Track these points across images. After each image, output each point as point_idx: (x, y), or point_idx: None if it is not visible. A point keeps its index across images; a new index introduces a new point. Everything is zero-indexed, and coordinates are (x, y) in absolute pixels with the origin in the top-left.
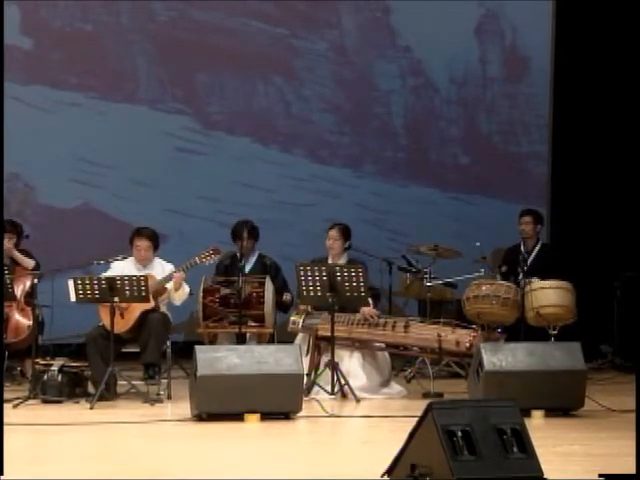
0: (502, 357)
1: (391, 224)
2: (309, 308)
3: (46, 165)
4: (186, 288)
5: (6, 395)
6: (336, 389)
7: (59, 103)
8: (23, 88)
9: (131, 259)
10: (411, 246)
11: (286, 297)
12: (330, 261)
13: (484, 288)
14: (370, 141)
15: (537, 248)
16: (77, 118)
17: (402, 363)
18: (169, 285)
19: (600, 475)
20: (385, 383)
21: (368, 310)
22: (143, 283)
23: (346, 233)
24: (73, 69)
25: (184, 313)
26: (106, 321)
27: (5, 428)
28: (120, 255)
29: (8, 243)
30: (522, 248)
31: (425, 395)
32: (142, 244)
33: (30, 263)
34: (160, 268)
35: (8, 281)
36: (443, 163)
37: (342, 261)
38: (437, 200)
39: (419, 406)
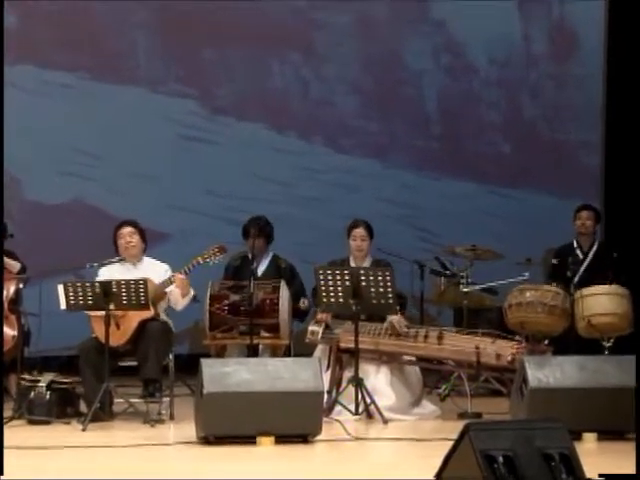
0: (549, 372)
1: (422, 222)
2: (329, 317)
3: (32, 155)
4: (191, 291)
5: None
6: (360, 409)
7: (47, 84)
8: (9, 69)
9: (117, 264)
10: (445, 247)
11: (303, 303)
12: (352, 264)
13: (528, 294)
14: (399, 128)
15: (594, 248)
16: (67, 101)
17: (435, 379)
18: (171, 289)
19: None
20: (416, 402)
21: (397, 319)
22: (142, 288)
23: (372, 231)
24: (62, 46)
25: (188, 322)
26: (99, 332)
27: None
28: (116, 257)
29: None
30: (577, 249)
31: (461, 415)
32: (126, 229)
33: (15, 266)
34: (151, 268)
35: None
36: (481, 153)
37: (366, 264)
38: (474, 195)
39: (454, 428)
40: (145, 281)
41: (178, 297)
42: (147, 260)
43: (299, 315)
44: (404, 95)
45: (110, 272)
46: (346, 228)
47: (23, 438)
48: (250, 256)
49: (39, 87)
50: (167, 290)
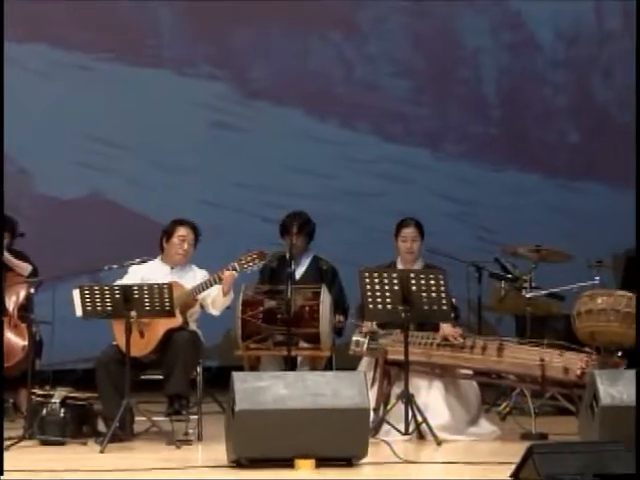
0: (622, 388)
1: (480, 219)
2: (375, 325)
3: (45, 145)
4: (231, 293)
5: None
6: (411, 428)
7: (62, 66)
8: (15, 46)
9: (156, 262)
10: (506, 247)
11: (339, 322)
12: (401, 267)
13: (600, 301)
14: (453, 113)
15: None
16: (85, 85)
17: (494, 396)
18: (208, 296)
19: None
20: (473, 421)
21: (451, 328)
22: (166, 293)
23: (423, 231)
24: (80, 23)
25: (219, 331)
26: (121, 340)
27: None
28: (137, 258)
29: None
30: None
31: (524, 436)
32: (188, 235)
33: (26, 268)
34: (192, 275)
35: None
36: (546, 141)
37: (417, 267)
38: (539, 188)
39: (516, 450)
40: (170, 286)
41: (219, 297)
42: (190, 266)
43: (335, 330)
44: (459, 76)
45: (145, 273)
46: (394, 227)
47: (34, 461)
48: (288, 257)
49: (52, 68)
50: (200, 296)
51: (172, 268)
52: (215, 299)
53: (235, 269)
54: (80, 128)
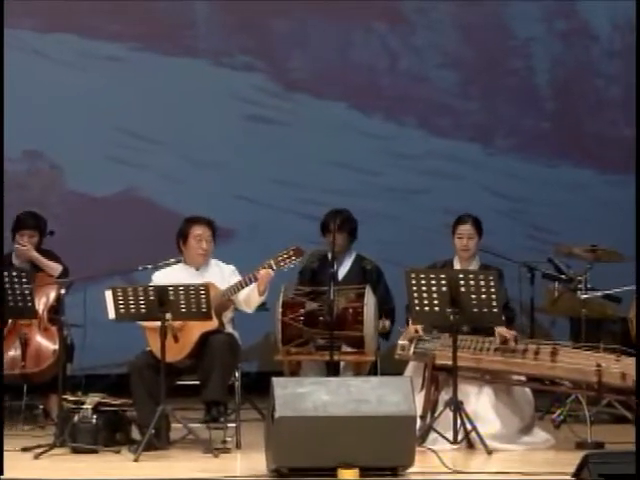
0: None
1: (532, 216)
2: (421, 329)
3: (76, 140)
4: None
5: (26, 441)
6: (460, 437)
7: (93, 57)
8: (45, 37)
9: (179, 265)
10: (560, 246)
11: (384, 327)
12: (457, 266)
13: None
14: (504, 106)
15: None
16: (116, 76)
17: (548, 403)
18: (241, 296)
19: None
20: (526, 429)
21: (503, 332)
22: (203, 294)
23: (481, 229)
24: (111, 12)
25: (257, 335)
26: (155, 345)
27: None
28: (172, 258)
29: (28, 242)
30: None
31: (580, 445)
32: (204, 232)
33: (56, 268)
34: (218, 271)
35: (27, 292)
36: (602, 135)
37: (473, 267)
38: (593, 184)
39: (571, 459)
40: (207, 287)
41: (253, 295)
42: (213, 261)
43: (381, 334)
44: (510, 68)
45: (168, 276)
46: (445, 226)
47: (65, 469)
48: (330, 256)
49: (81, 59)
50: (234, 298)
51: (197, 269)
52: (250, 297)
53: (271, 267)
54: (112, 122)
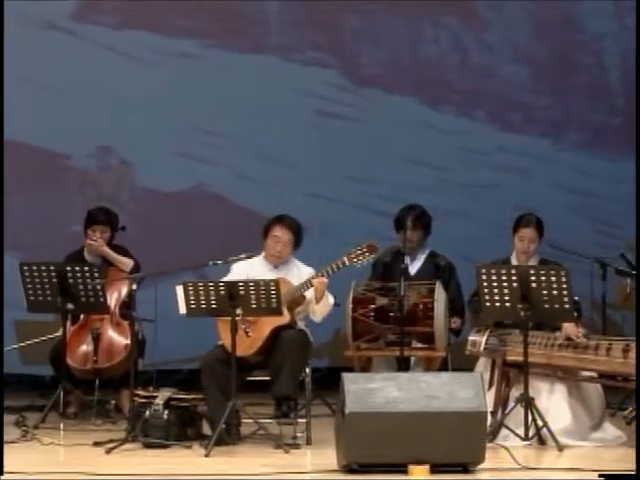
0: None
1: (603, 212)
2: (491, 324)
3: (147, 136)
4: (330, 299)
5: (98, 436)
6: (531, 433)
7: (165, 54)
8: (118, 34)
9: (259, 258)
10: (631, 241)
11: (454, 322)
12: (515, 263)
13: None
14: (575, 102)
15: None
16: (187, 72)
17: (620, 399)
18: (308, 294)
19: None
20: (597, 426)
21: (573, 327)
22: (274, 290)
23: (543, 230)
24: (183, 9)
25: (328, 331)
26: (227, 340)
27: None
28: (243, 253)
29: (100, 237)
30: None
31: None
32: (282, 235)
33: (128, 263)
34: (296, 272)
35: (99, 287)
36: None
37: (532, 263)
38: None
39: None
40: (277, 282)
41: (311, 302)
42: (295, 263)
43: (451, 331)
44: (581, 63)
45: (246, 271)
46: (513, 222)
47: (137, 464)
48: (403, 252)
49: (153, 56)
50: (306, 295)
51: (275, 267)
52: (312, 306)
53: (344, 264)
54: (183, 118)
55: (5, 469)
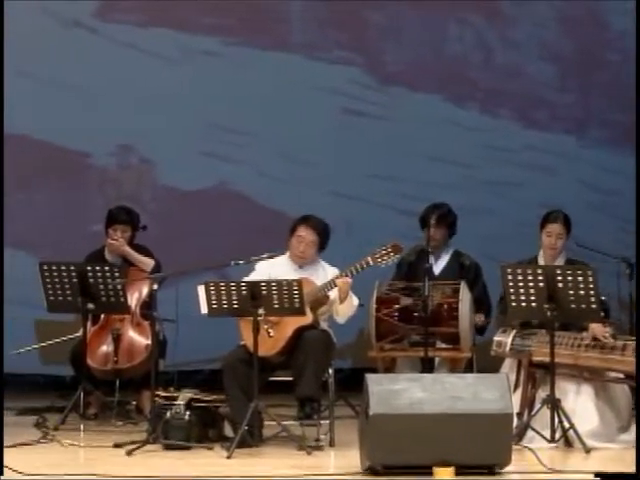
0: None
1: (627, 210)
2: (517, 325)
3: (168, 134)
4: (354, 300)
5: (118, 438)
6: (557, 435)
7: (187, 51)
8: (141, 31)
9: (284, 257)
10: None
11: (479, 319)
12: (542, 261)
13: None
14: (600, 99)
15: None
16: (211, 71)
17: None
18: (332, 294)
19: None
20: (624, 427)
21: (600, 327)
22: (296, 289)
23: (570, 227)
24: (206, 7)
25: (351, 331)
26: (249, 339)
27: None
28: (266, 252)
29: (120, 237)
30: None
31: None
32: (307, 236)
33: (149, 263)
34: (322, 273)
35: (119, 287)
36: None
37: (559, 262)
38: None
39: None
40: (300, 282)
41: (335, 303)
42: (320, 263)
43: (476, 328)
44: (606, 61)
45: (270, 270)
46: (540, 219)
47: (158, 466)
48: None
49: (176, 53)
50: (330, 295)
51: (300, 267)
52: (336, 307)
53: (368, 264)
54: (206, 116)
55: (25, 470)
